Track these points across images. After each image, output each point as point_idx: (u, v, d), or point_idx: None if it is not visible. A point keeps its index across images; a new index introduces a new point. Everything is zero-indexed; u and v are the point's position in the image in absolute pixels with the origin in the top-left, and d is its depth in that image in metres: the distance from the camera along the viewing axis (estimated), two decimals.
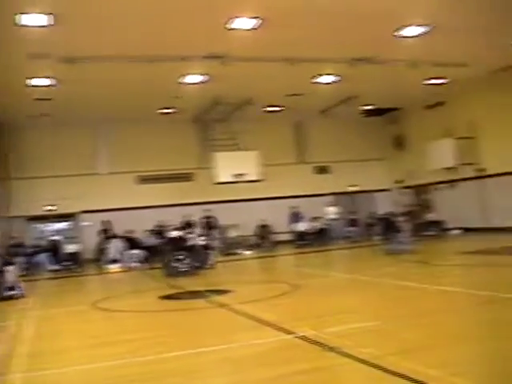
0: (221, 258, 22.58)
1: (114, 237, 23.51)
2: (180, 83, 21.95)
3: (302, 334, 7.78)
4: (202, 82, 22.03)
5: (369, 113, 31.97)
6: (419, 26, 17.92)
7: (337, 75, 23.04)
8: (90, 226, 26.64)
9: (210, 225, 27.41)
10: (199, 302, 12.14)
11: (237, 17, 15.85)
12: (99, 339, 8.95)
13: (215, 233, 26.90)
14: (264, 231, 28.13)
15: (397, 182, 33.79)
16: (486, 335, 7.22)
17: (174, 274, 17.34)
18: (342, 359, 6.46)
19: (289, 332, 8.05)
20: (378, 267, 16.55)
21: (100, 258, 23.41)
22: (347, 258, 20.68)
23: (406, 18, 17.30)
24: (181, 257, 17.90)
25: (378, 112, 32.35)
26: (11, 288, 14.84)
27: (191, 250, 18.65)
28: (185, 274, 17.46)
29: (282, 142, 31.51)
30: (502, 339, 6.83)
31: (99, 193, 27.99)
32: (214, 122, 27.80)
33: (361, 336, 7.58)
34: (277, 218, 28.71)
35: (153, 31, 16.44)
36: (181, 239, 19.02)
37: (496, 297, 9.72)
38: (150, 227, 26.44)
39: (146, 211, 27.90)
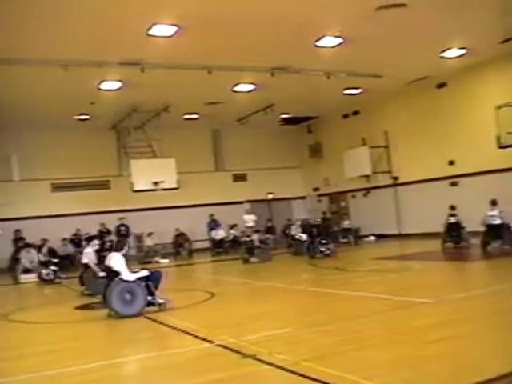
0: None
1: (28, 246, 22.82)
2: (97, 89, 21.61)
3: (220, 342, 7.80)
4: (119, 89, 21.76)
5: (286, 121, 32.39)
6: (336, 36, 18.32)
7: (255, 84, 23.23)
8: (1, 235, 25.77)
9: (122, 233, 27.09)
10: None
11: (155, 24, 15.75)
12: (9, 352, 8.62)
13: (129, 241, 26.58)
14: (181, 239, 28.02)
15: (313, 189, 34.32)
16: (398, 340, 7.42)
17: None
18: (259, 366, 6.53)
19: (207, 340, 8.05)
20: (294, 274, 16.76)
21: (13, 268, 22.69)
22: (264, 265, 20.79)
23: (323, 28, 17.63)
24: None
25: (295, 120, 32.82)
26: None
27: None
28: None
29: (199, 149, 31.52)
30: (412, 344, 7.05)
31: (12, 200, 27.09)
32: (132, 129, 27.48)
33: (277, 343, 7.67)
34: (195, 225, 28.69)
35: (69, 35, 16.09)
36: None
37: (409, 302, 10.01)
38: (67, 236, 25.89)
39: (62, 219, 27.28)
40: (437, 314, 8.74)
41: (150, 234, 27.29)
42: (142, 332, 9.65)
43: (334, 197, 33.12)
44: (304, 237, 22.81)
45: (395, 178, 28.56)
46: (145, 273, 11.16)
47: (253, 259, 21.31)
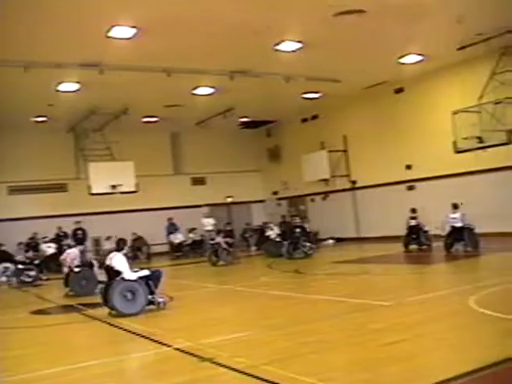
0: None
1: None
2: (55, 91, 21.33)
3: (178, 346, 7.76)
4: (77, 91, 21.50)
5: (246, 125, 32.45)
6: (296, 41, 18.42)
7: (215, 87, 23.20)
8: None
9: (79, 237, 26.77)
10: (73, 316, 11.81)
11: (115, 25, 15.61)
12: None
13: (86, 245, 26.29)
14: (139, 243, 27.83)
15: (272, 193, 34.41)
16: (355, 342, 7.47)
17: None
18: (217, 370, 6.51)
19: (165, 344, 8.01)
20: (253, 278, 16.77)
21: None
22: (223, 269, 20.77)
23: (283, 33, 17.71)
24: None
25: (254, 124, 32.89)
26: None
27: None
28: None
29: (158, 152, 31.33)
30: (369, 347, 7.11)
31: None
32: (90, 131, 27.19)
33: (236, 346, 7.67)
34: (153, 229, 28.49)
35: (28, 37, 15.87)
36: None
37: (366, 304, 10.11)
38: (23, 239, 25.48)
39: (18, 223, 26.80)
40: (394, 317, 8.82)
41: (108, 238, 26.98)
42: (98, 337, 9.55)
43: (293, 200, 33.25)
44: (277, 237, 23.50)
45: (353, 182, 28.83)
46: (146, 272, 11.39)
47: (221, 262, 21.44)
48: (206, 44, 17.92)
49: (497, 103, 19.63)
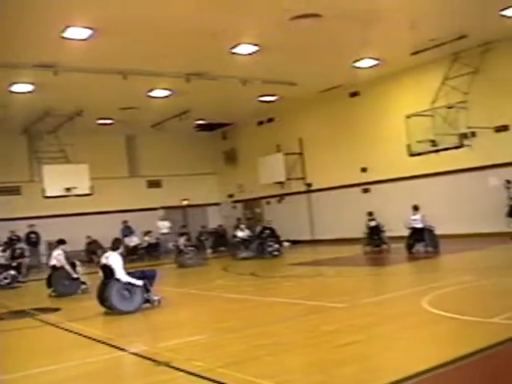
0: (47, 275, 21.69)
1: None
2: (8, 92, 20.95)
3: (134, 350, 7.71)
4: (31, 92, 21.17)
5: (202, 127, 32.40)
6: (252, 44, 18.48)
7: (171, 89, 23.12)
8: None
9: (32, 240, 26.36)
10: (26, 322, 11.56)
11: (70, 26, 15.43)
12: None
13: (39, 249, 25.96)
14: (94, 246, 27.52)
15: (228, 196, 34.42)
16: (310, 344, 7.52)
17: None
18: (174, 373, 6.48)
19: (121, 348, 7.95)
20: (209, 280, 16.75)
21: None
22: (179, 272, 20.70)
23: (239, 36, 17.77)
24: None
25: (210, 127, 32.87)
26: None
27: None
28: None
29: (114, 155, 31.07)
30: (324, 348, 7.17)
31: None
32: (44, 133, 26.78)
33: (192, 349, 7.65)
34: (108, 232, 28.12)
35: None
36: None
37: (321, 306, 10.18)
38: None
39: None
40: (348, 318, 8.91)
41: None
42: (52, 342, 9.42)
43: (249, 203, 33.31)
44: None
45: (309, 185, 29.02)
46: (139, 283, 11.33)
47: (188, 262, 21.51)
48: (163, 46, 17.86)
49: (449, 107, 20.00)
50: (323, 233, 27.74)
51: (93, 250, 27.34)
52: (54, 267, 15.50)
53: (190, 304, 12.59)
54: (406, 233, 18.78)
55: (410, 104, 21.64)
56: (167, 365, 6.78)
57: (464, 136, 19.77)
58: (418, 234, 18.44)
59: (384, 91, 24.75)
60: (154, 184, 32.68)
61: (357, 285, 13.72)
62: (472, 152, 20.01)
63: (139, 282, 11.35)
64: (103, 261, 11.70)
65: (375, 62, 21.84)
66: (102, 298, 11.42)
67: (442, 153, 20.18)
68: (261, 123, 31.53)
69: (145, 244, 28.00)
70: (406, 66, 22.36)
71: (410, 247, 18.46)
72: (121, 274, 11.33)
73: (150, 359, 7.17)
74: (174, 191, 32.40)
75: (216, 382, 6.00)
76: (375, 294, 11.34)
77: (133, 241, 27.91)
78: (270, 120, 30.85)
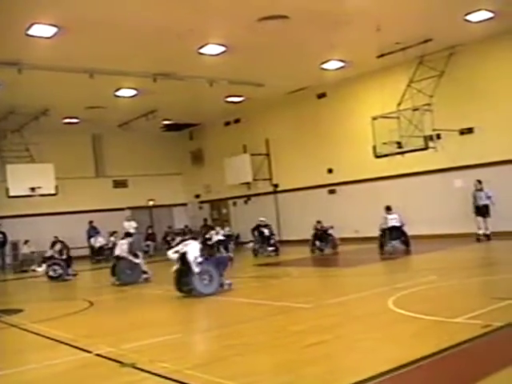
0: (11, 276, 21.50)
1: None
2: None
3: (99, 352, 7.63)
4: None
5: (168, 127, 32.28)
6: (219, 44, 18.47)
7: (138, 89, 22.99)
8: None
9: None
10: None
11: (35, 23, 15.24)
12: None
13: (5, 249, 25.62)
14: (60, 246, 27.14)
15: (195, 196, 34.34)
16: (278, 344, 7.54)
17: None
18: (139, 375, 6.44)
19: (86, 350, 7.87)
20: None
21: None
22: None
23: (206, 36, 17.76)
24: None
25: (177, 127, 32.77)
26: None
27: None
28: None
29: (80, 154, 30.81)
30: (291, 349, 7.19)
31: None
32: (8, 132, 26.43)
33: (158, 350, 7.61)
34: (74, 232, 27.92)
35: None
36: None
37: (288, 307, 10.21)
38: None
39: None
40: (315, 319, 8.94)
41: (26, 242, 26.36)
42: (16, 343, 9.31)
43: (216, 204, 33.28)
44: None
45: (275, 186, 29.09)
46: (197, 270, 12.15)
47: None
48: (130, 46, 17.76)
49: (415, 110, 20.20)
50: (290, 233, 27.81)
51: (58, 250, 26.95)
52: (117, 257, 16.45)
53: (156, 304, 12.52)
54: (377, 233, 19.17)
55: (376, 106, 21.79)
56: (133, 366, 6.74)
57: (429, 138, 19.98)
58: (396, 233, 18.82)
59: (350, 93, 24.93)
60: (121, 184, 32.47)
61: (323, 285, 13.80)
62: (437, 154, 20.25)
63: (197, 269, 12.12)
64: (184, 249, 12.45)
65: (342, 64, 22.00)
66: (182, 284, 12.41)
67: (407, 155, 20.38)
68: (228, 124, 31.52)
69: (111, 244, 27.71)
70: (373, 68, 22.54)
71: (382, 246, 18.84)
72: (193, 260, 12.11)
73: (115, 361, 7.12)
74: (140, 191, 32.24)
75: (183, 383, 5.98)
76: (341, 294, 11.40)
77: (98, 241, 27.65)
78: (237, 121, 30.87)
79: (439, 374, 5.73)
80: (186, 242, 12.70)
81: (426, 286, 10.89)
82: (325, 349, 7.00)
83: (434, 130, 20.02)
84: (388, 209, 19.29)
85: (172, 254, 12.65)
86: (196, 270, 12.05)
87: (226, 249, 22.81)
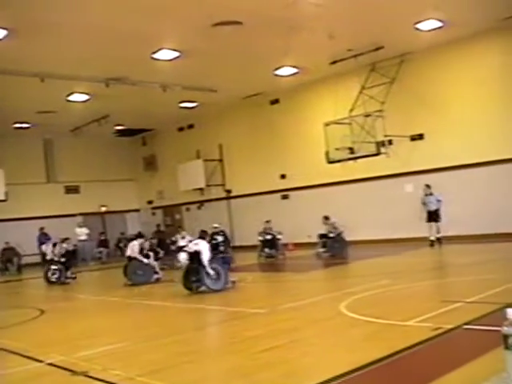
0: None
1: None
2: None
3: (50, 361, 7.51)
4: None
5: (121, 133, 32.03)
6: (173, 50, 18.42)
7: (90, 94, 22.73)
8: None
9: None
10: None
11: None
12: None
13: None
14: (9, 254, 26.71)
15: (147, 202, 34.14)
16: (231, 350, 7.54)
17: None
18: (91, 383, 6.36)
19: (37, 359, 7.73)
20: (128, 288, 16.52)
21: None
22: (97, 280, 20.39)
23: (160, 41, 17.70)
24: None
25: (130, 132, 32.54)
26: None
27: None
28: None
29: (30, 160, 30.28)
30: (245, 354, 7.18)
31: None
32: None
33: (110, 358, 7.52)
34: (25, 239, 27.42)
35: None
36: None
37: (242, 312, 10.23)
38: None
39: None
40: (268, 324, 8.97)
41: None
42: None
43: (169, 209, 33.12)
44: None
45: (229, 191, 29.11)
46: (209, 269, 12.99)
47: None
48: (82, 50, 17.59)
49: (367, 116, 20.47)
50: (243, 239, 27.77)
51: (8, 257, 26.50)
52: (129, 258, 16.80)
53: (109, 312, 12.40)
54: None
55: (328, 112, 21.98)
56: (85, 375, 6.65)
57: (381, 144, 20.29)
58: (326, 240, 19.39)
59: (304, 99, 25.11)
60: (72, 190, 32.05)
61: (277, 291, 13.84)
62: (389, 159, 20.57)
63: (210, 268, 12.93)
64: (193, 247, 13.14)
65: (295, 70, 22.14)
66: (192, 281, 13.08)
67: (359, 160, 20.64)
68: (181, 129, 31.42)
69: (62, 251, 27.28)
70: (325, 74, 22.77)
71: (320, 253, 19.52)
72: (206, 259, 12.87)
73: (66, 369, 7.02)
74: (92, 197, 31.88)
75: None
76: (295, 299, 11.44)
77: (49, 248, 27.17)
78: (191, 126, 30.80)
79: (392, 377, 5.81)
80: (195, 242, 13.37)
81: (378, 290, 11.02)
82: (279, 353, 7.02)
83: (385, 135, 20.34)
84: (326, 218, 19.68)
85: (182, 256, 13.46)
86: (209, 268, 12.85)
87: None
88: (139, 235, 17.92)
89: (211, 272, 12.92)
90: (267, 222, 21.76)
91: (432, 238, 19.45)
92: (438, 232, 19.48)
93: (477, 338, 6.94)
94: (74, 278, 19.51)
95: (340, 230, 19.53)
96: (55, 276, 18.94)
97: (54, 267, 19.14)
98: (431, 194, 19.53)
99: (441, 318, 7.91)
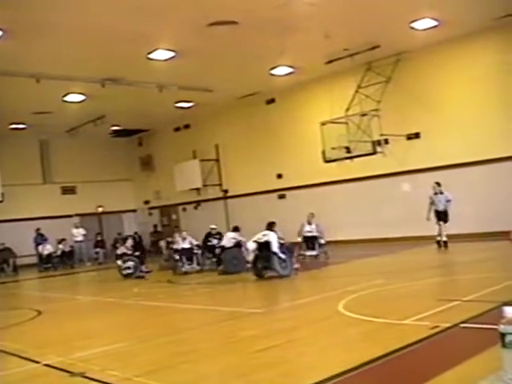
0: None
1: None
2: None
3: (48, 362, 7.50)
4: None
5: (117, 133, 32.00)
6: (169, 50, 18.40)
7: (86, 94, 22.69)
8: None
9: None
10: None
11: None
12: None
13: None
14: (5, 254, 26.65)
15: (144, 202, 34.11)
16: (228, 350, 7.53)
17: None
18: None
19: (33, 360, 7.71)
20: (125, 288, 16.51)
21: None
22: (94, 280, 20.36)
23: (156, 41, 17.67)
24: None
25: (126, 133, 32.50)
26: None
27: None
28: None
29: (26, 161, 30.23)
30: (242, 354, 7.18)
31: None
32: None
33: (107, 359, 7.52)
34: (21, 240, 27.40)
35: None
36: None
37: (239, 312, 10.23)
38: None
39: None
40: (266, 323, 8.97)
41: None
42: None
43: (165, 210, 33.11)
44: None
45: (225, 191, 29.09)
46: (283, 256, 14.48)
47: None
48: (78, 50, 17.56)
49: (363, 115, 20.48)
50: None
51: (4, 258, 26.44)
52: (223, 248, 17.98)
53: (105, 313, 12.38)
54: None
55: (325, 111, 21.98)
56: (82, 375, 6.64)
57: (377, 143, 20.29)
58: (311, 243, 19.14)
59: (300, 99, 25.11)
60: (69, 190, 32.00)
61: (274, 290, 13.81)
62: (385, 159, 20.57)
63: (283, 256, 14.37)
64: (263, 238, 14.53)
65: (291, 70, 22.14)
66: (262, 267, 14.53)
67: (356, 159, 20.64)
68: (177, 129, 31.40)
69: (59, 252, 27.30)
70: (321, 74, 22.76)
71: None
72: (276, 248, 14.21)
73: (64, 370, 7.00)
74: (89, 198, 31.85)
75: None
76: (292, 299, 11.46)
77: (46, 249, 27.13)
78: (187, 126, 30.78)
79: (389, 375, 5.80)
80: (265, 233, 14.72)
81: (376, 289, 11.02)
82: (277, 353, 7.01)
83: (381, 134, 20.34)
84: (310, 220, 19.45)
85: (251, 244, 14.75)
86: (282, 255, 14.27)
87: (190, 259, 21.03)
88: (235, 228, 18.90)
89: (283, 256, 14.24)
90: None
91: (439, 239, 18.19)
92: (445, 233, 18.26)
93: (474, 336, 6.95)
94: (150, 271, 19.73)
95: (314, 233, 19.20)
96: (128, 271, 18.94)
97: (130, 263, 19.11)
98: (441, 193, 18.14)
99: (438, 316, 7.91)
